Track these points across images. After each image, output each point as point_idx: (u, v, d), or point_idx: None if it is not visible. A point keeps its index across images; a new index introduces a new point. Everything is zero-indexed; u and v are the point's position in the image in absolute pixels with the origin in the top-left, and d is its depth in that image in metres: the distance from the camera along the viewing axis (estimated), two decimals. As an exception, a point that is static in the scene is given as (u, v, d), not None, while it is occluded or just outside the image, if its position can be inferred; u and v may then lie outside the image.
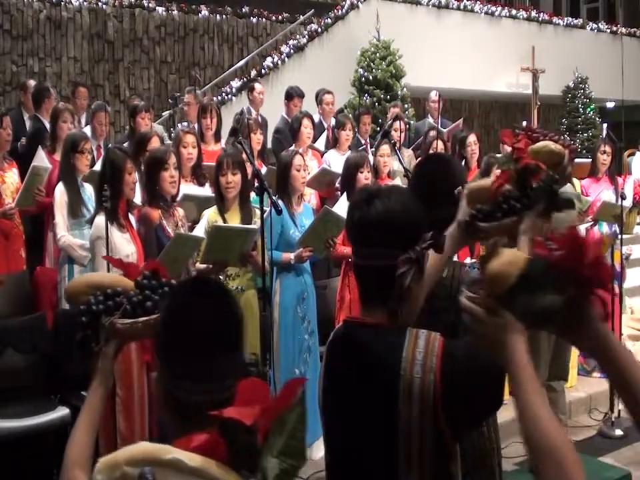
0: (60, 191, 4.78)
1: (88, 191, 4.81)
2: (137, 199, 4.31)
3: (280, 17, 12.25)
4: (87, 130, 6.07)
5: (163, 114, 9.42)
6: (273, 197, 4.00)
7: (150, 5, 11.05)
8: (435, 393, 1.64)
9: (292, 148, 5.76)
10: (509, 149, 7.80)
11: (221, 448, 1.06)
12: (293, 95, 7.52)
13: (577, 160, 7.81)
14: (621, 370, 1.35)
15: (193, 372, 1.33)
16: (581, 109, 13.88)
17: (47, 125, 5.86)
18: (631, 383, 1.34)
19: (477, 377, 1.60)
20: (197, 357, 1.35)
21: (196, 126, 6.03)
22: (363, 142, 7.08)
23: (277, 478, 1.04)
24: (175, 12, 11.22)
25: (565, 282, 1.32)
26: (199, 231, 4.25)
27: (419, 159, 3.44)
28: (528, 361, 1.39)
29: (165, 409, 1.36)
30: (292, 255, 4.53)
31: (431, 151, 6.23)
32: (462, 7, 12.85)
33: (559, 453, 1.30)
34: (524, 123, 10.27)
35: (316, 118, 7.12)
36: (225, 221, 4.29)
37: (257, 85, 7.81)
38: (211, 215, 4.32)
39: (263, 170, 5.37)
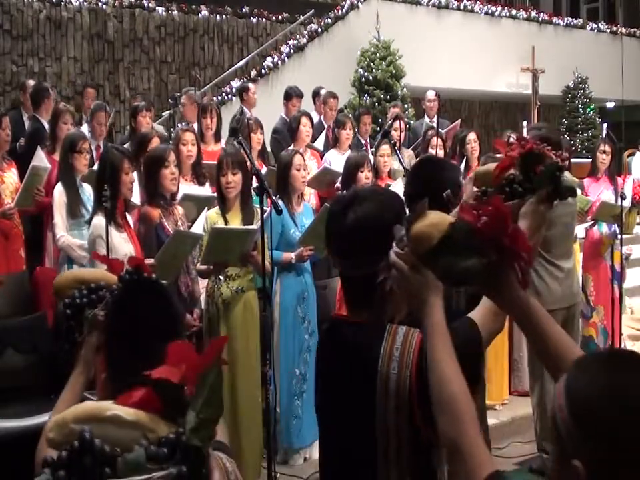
0: (59, 191, 4.77)
1: (87, 191, 4.80)
2: (136, 198, 4.31)
3: (280, 17, 12.25)
4: (84, 129, 6.06)
5: (163, 114, 9.42)
6: (273, 197, 4.00)
7: (150, 5, 11.05)
8: (410, 388, 1.65)
9: (291, 148, 5.76)
10: (508, 148, 7.56)
11: (155, 402, 1.21)
12: (291, 95, 7.52)
13: (576, 160, 7.82)
14: (542, 336, 1.46)
15: (130, 362, 1.46)
16: (580, 109, 13.88)
17: (46, 125, 5.86)
18: (550, 348, 1.45)
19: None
20: (133, 349, 1.53)
21: (195, 126, 6.03)
22: (363, 142, 7.08)
23: (200, 425, 1.19)
24: (175, 12, 11.23)
25: (487, 247, 1.40)
26: (196, 229, 4.26)
27: (416, 160, 3.53)
28: (442, 319, 1.47)
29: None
30: (292, 255, 4.53)
31: (430, 151, 6.24)
32: (462, 7, 12.85)
33: (458, 406, 1.37)
34: (524, 124, 10.28)
35: (315, 118, 7.12)
36: (226, 221, 4.28)
37: (250, 85, 7.81)
38: (211, 216, 4.31)
39: (263, 170, 5.37)
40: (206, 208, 4.45)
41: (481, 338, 1.77)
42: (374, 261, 1.64)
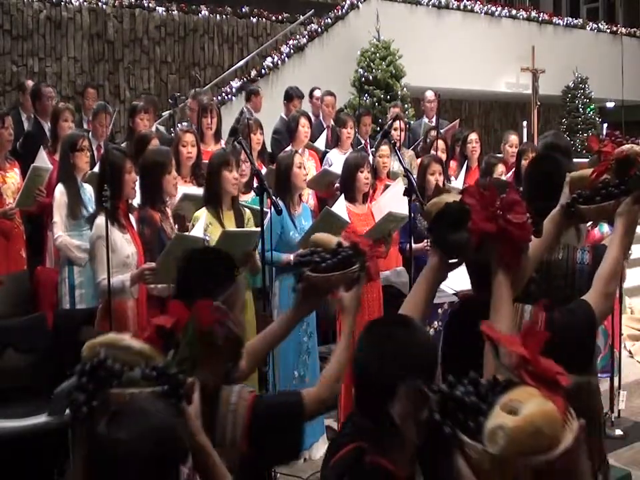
0: (60, 192, 4.76)
1: (88, 192, 4.79)
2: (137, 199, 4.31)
3: (280, 17, 12.26)
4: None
5: (163, 114, 9.42)
6: (273, 197, 4.00)
7: (150, 5, 11.06)
8: None
9: (289, 148, 5.76)
10: (509, 149, 7.85)
11: (157, 341, 1.73)
12: (292, 95, 7.52)
13: (576, 160, 7.80)
14: (500, 318, 1.76)
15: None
16: (580, 109, 13.88)
17: (44, 126, 5.87)
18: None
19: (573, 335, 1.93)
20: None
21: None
22: (363, 142, 7.08)
23: (181, 359, 1.69)
24: (175, 12, 11.23)
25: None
26: (197, 232, 4.25)
27: (532, 158, 3.71)
28: (431, 274, 1.97)
29: None
30: (292, 257, 4.52)
31: (432, 151, 6.18)
32: (462, 7, 12.85)
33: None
34: (524, 124, 10.28)
35: (312, 118, 7.11)
36: (221, 220, 4.27)
37: (260, 90, 7.85)
38: (207, 216, 4.30)
39: (263, 170, 5.37)
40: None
41: (596, 322, 2.04)
42: None
